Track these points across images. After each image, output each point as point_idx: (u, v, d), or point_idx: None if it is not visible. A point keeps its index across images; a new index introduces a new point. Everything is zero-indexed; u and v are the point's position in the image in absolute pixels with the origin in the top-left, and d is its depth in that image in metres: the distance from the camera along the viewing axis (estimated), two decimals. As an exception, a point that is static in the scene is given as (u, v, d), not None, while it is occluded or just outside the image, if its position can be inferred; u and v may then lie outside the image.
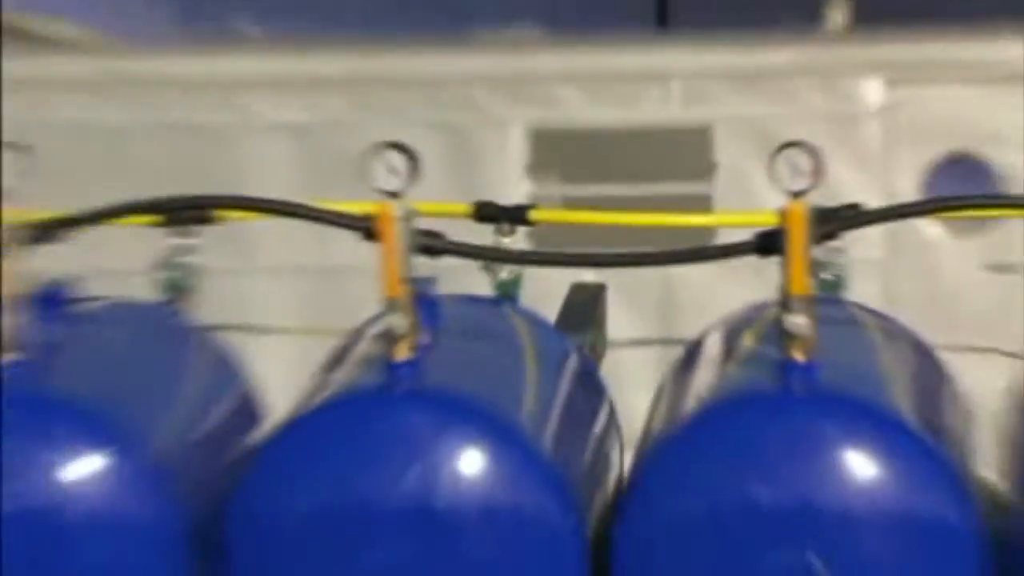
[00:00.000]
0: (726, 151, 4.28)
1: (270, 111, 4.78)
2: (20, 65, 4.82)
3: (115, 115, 5.03)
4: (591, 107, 5.32)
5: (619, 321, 2.90)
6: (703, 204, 4.14)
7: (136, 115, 5.18)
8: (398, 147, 1.84)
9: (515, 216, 2.42)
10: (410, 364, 1.86)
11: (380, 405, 1.89)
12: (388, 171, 1.87)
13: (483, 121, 5.30)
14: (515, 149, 5.23)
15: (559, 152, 5.21)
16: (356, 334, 2.20)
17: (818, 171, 1.76)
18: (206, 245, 2.46)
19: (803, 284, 1.82)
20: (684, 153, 4.71)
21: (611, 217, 2.63)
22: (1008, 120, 3.63)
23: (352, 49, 5.08)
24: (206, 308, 2.51)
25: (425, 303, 1.99)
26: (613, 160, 4.65)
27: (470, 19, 8.07)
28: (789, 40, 4.18)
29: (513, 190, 4.52)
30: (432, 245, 2.01)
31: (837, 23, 5.35)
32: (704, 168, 4.32)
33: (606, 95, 4.60)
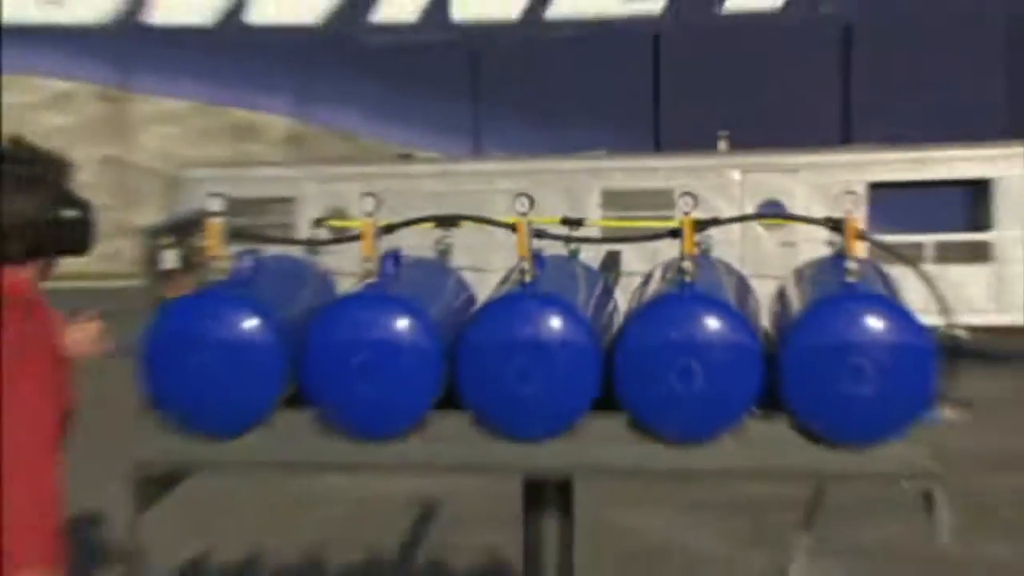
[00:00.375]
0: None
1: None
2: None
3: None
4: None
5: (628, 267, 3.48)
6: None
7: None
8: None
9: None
10: (534, 281, 2.67)
11: (519, 299, 2.70)
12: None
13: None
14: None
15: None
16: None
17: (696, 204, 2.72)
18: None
19: (692, 249, 2.67)
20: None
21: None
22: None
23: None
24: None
25: (539, 257, 2.80)
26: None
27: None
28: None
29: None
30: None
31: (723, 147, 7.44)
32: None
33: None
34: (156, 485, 2.88)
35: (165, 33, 53.39)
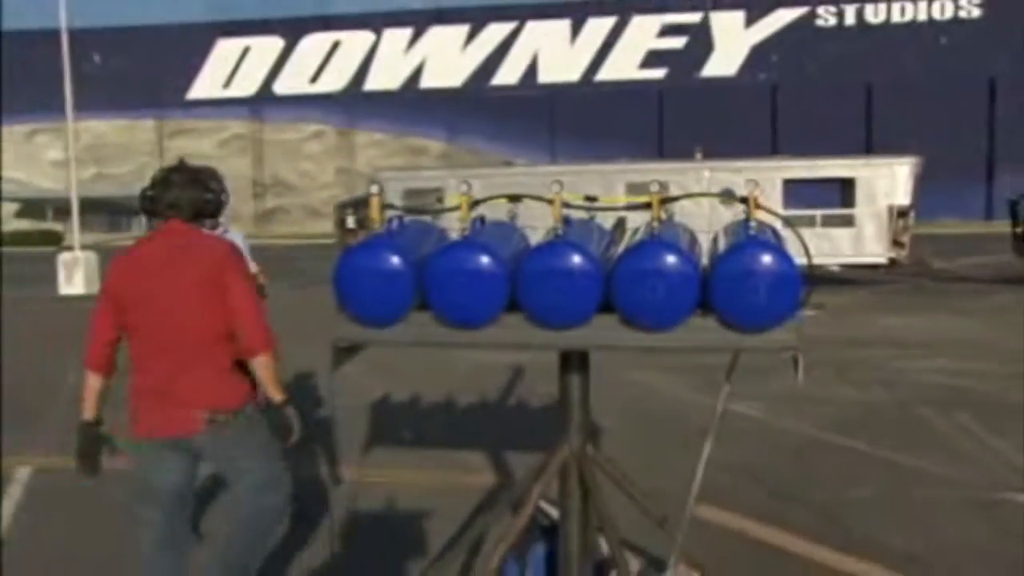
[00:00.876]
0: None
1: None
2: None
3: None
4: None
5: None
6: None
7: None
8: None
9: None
10: (563, 234, 2.60)
11: (554, 244, 2.59)
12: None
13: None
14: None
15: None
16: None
17: (664, 188, 2.67)
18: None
19: (658, 215, 2.61)
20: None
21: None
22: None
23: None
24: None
25: (568, 219, 2.72)
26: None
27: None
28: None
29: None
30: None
31: (699, 157, 7.06)
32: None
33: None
34: (344, 353, 2.88)
35: (372, 94, 53.76)
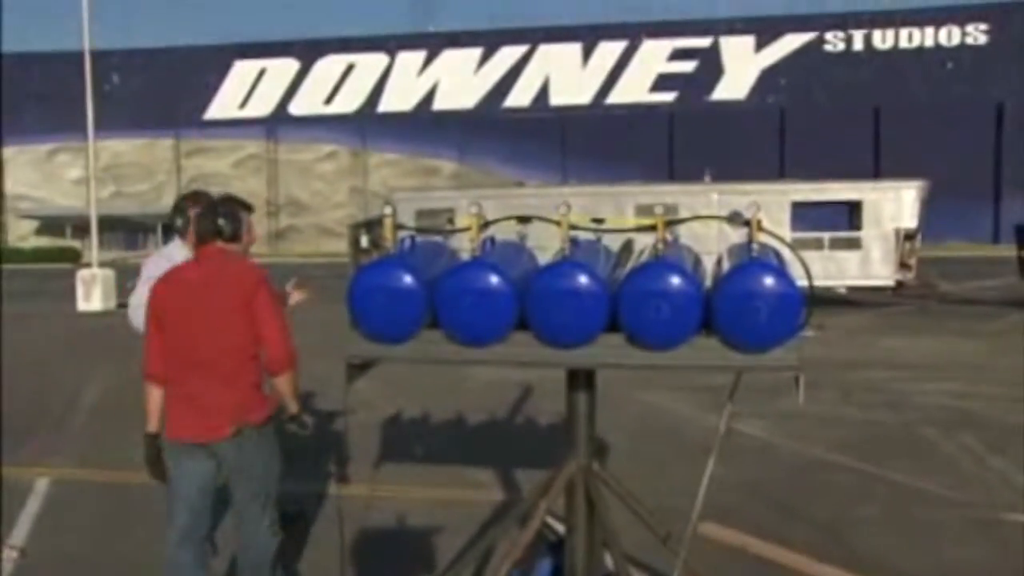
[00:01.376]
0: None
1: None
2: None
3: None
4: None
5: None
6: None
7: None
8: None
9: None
10: (569, 255, 2.62)
11: (561, 264, 2.59)
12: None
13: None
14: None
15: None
16: None
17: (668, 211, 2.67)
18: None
19: (663, 236, 2.59)
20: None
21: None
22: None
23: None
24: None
25: (576, 241, 2.71)
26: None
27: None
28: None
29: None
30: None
31: (708, 179, 7.11)
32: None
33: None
34: (357, 369, 2.92)
35: (385, 116, 53.96)
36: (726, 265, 2.77)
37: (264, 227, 52.37)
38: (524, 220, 2.99)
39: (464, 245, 2.87)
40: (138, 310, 4.61)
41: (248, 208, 3.71)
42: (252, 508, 3.58)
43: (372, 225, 3.08)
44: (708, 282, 2.75)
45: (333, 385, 3.69)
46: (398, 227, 2.87)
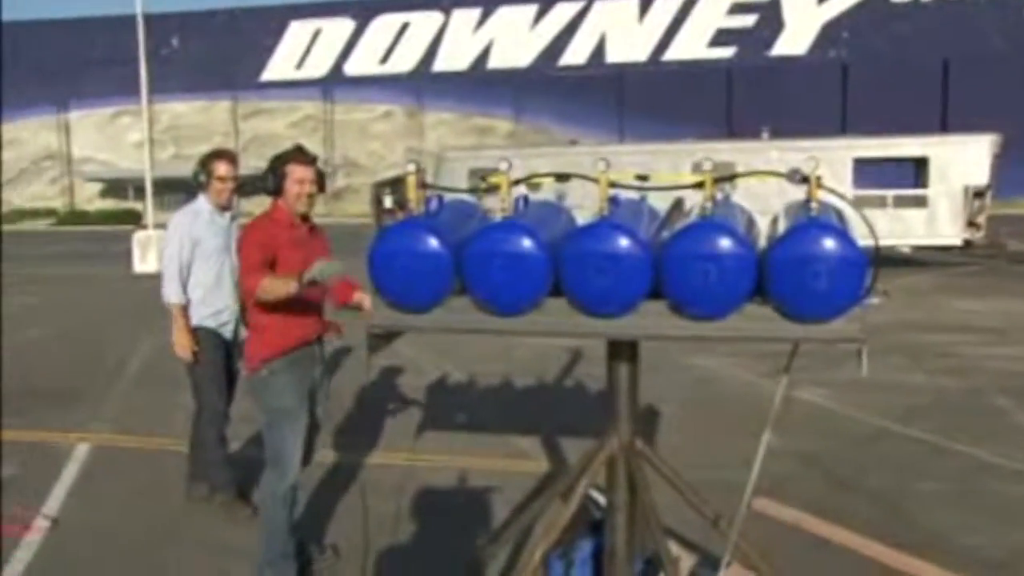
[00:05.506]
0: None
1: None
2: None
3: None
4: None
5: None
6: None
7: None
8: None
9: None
10: (609, 215, 2.41)
11: (598, 225, 2.39)
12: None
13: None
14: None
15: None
16: None
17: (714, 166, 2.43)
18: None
19: (710, 196, 2.38)
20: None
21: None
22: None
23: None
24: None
25: (616, 199, 2.55)
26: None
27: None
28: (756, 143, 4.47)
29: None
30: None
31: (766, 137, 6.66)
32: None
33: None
34: (380, 340, 2.75)
35: (440, 75, 53.83)
36: (782, 225, 2.50)
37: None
38: (561, 178, 2.75)
39: (497, 205, 2.63)
40: (172, 282, 4.58)
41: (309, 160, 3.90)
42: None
43: (397, 184, 2.87)
44: (762, 243, 2.50)
45: (393, 353, 3.64)
46: (423, 186, 2.65)
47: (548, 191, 2.85)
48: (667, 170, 2.94)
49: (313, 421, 3.97)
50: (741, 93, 49.08)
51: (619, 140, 42.95)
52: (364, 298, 3.89)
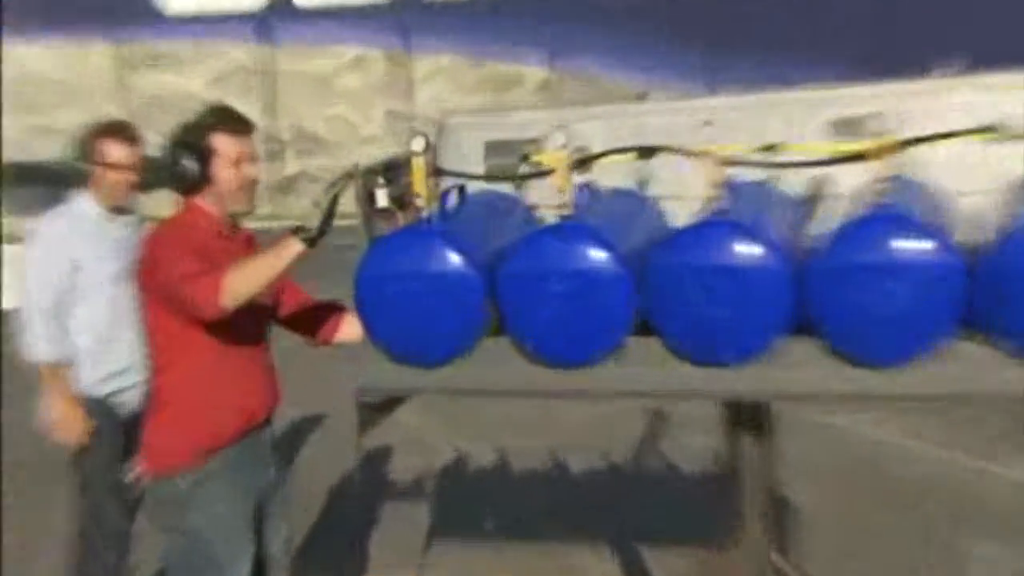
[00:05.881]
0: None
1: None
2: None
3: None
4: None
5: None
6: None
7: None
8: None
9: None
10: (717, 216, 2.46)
11: (704, 225, 2.42)
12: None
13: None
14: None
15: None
16: None
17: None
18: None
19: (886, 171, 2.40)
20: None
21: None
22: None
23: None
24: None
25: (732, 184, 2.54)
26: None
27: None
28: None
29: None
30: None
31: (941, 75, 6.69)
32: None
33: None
34: (374, 411, 2.81)
35: (437, 2, 54.32)
36: (995, 218, 2.46)
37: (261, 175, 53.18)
38: (646, 154, 2.79)
39: (548, 199, 2.69)
40: (39, 328, 4.52)
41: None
42: None
43: (395, 171, 2.87)
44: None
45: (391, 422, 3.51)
46: (438, 172, 2.72)
47: (619, 175, 2.89)
48: (785, 134, 2.94)
49: (266, 552, 3.62)
50: (894, 9, 48.97)
51: (707, 89, 43.04)
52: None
